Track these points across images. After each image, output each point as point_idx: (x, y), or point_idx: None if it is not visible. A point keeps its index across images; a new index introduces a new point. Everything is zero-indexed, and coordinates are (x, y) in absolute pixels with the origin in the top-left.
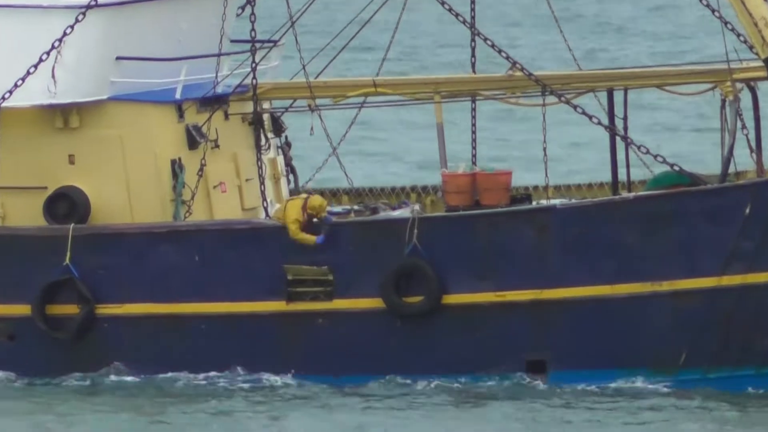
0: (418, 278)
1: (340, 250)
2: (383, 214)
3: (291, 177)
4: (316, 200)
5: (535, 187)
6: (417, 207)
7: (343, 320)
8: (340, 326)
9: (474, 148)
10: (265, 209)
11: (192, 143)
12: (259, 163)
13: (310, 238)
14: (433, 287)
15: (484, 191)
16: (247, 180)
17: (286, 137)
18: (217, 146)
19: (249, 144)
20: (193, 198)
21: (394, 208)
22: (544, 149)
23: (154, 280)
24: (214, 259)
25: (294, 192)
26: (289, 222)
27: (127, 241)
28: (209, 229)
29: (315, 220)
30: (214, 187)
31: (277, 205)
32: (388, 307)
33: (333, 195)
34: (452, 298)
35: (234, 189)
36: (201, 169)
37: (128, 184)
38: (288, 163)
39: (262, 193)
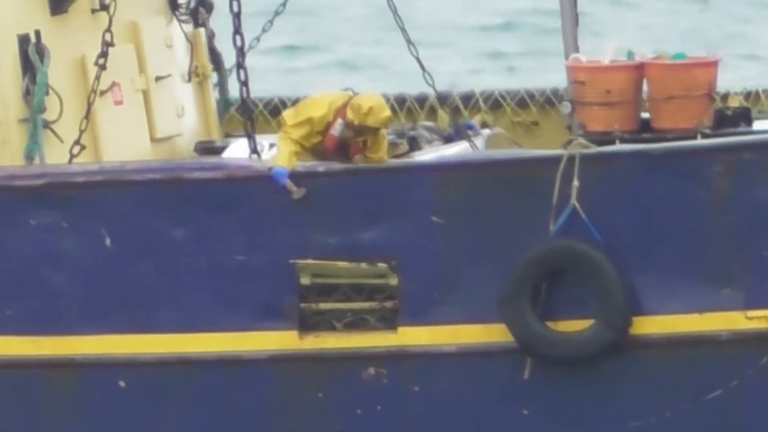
0: (583, 282)
1: (415, 224)
2: (454, 150)
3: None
4: (368, 100)
5: (750, 94)
6: (501, 131)
7: (421, 370)
8: (412, 382)
9: None
10: (250, 137)
11: (58, 1)
12: (237, 37)
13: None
14: (616, 302)
15: (664, 102)
16: (158, 79)
17: None
18: (103, 8)
19: (157, 5)
20: (88, 116)
21: (449, 137)
22: None
23: (15, 291)
24: (141, 246)
25: (223, 103)
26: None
27: None
28: (134, 181)
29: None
30: (101, 93)
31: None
32: (518, 342)
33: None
34: (656, 323)
35: (134, 98)
36: (102, 55)
37: None
38: (210, 46)
39: (243, 96)
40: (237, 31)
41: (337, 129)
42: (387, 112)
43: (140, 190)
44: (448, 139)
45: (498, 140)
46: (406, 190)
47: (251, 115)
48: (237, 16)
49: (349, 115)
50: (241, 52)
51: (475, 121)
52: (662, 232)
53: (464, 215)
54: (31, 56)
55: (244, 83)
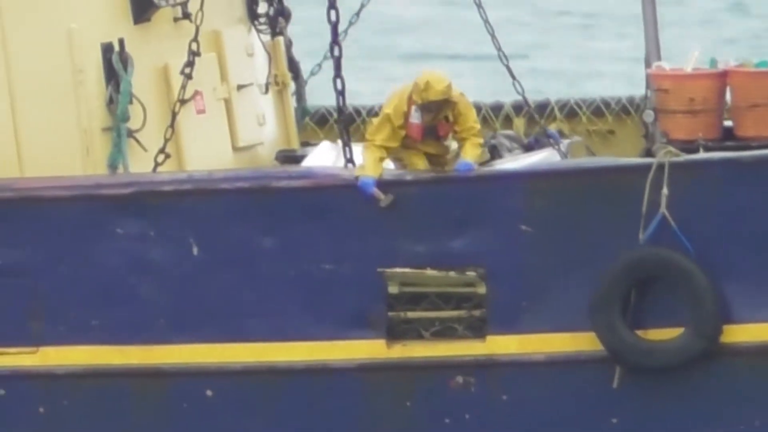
0: (673, 290)
1: (503, 232)
2: (537, 158)
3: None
4: (425, 76)
5: None
6: (579, 139)
7: (509, 379)
8: (500, 391)
9: None
10: (345, 144)
11: (141, 10)
12: (334, 46)
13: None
14: (707, 310)
15: (748, 110)
16: (239, 88)
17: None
18: (185, 16)
19: (237, 14)
20: (173, 125)
21: (529, 146)
22: None
23: (102, 301)
24: (229, 255)
25: (300, 111)
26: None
27: (32, 215)
28: (222, 190)
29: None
30: (184, 101)
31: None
32: (607, 350)
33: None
34: (747, 332)
35: (216, 107)
36: (189, 64)
37: (12, 97)
38: (288, 55)
39: (339, 104)
40: (334, 40)
41: (414, 116)
42: (445, 82)
43: (228, 199)
44: (528, 148)
45: (576, 149)
46: (495, 198)
47: (347, 124)
48: (334, 27)
49: (414, 97)
50: (338, 62)
51: (551, 129)
52: (752, 240)
53: (552, 223)
54: (114, 65)
55: (341, 92)
